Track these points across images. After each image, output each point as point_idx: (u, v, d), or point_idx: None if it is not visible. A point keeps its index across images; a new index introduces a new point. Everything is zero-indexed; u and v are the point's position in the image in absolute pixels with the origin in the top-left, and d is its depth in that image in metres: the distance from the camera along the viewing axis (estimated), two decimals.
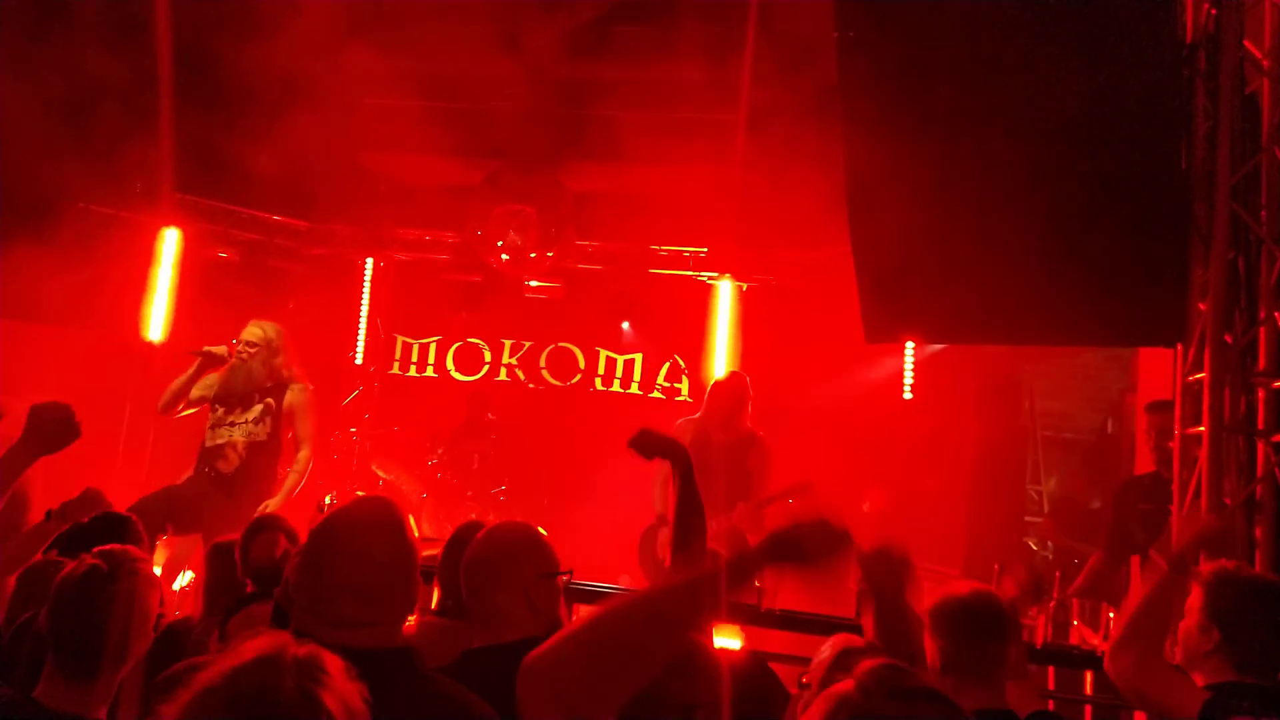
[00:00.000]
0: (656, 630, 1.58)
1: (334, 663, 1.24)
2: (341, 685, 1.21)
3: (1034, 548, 6.55)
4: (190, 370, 5.46)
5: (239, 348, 5.48)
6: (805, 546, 1.60)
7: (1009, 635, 2.60)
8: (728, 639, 4.00)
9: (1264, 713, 2.41)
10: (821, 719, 1.26)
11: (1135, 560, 4.87)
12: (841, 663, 2.11)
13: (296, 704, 1.16)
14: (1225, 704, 2.47)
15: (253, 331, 5.55)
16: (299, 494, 5.50)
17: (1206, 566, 2.75)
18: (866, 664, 1.32)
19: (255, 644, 1.22)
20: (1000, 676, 2.53)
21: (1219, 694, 2.51)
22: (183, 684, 1.75)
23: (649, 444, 3.02)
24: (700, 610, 1.66)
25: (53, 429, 2.80)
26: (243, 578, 3.44)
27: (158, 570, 5.08)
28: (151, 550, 4.88)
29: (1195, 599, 2.68)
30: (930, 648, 2.57)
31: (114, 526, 3.05)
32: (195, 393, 5.51)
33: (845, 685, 1.30)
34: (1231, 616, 2.58)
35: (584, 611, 2.80)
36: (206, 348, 5.47)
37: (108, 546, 2.11)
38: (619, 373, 9.09)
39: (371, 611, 1.76)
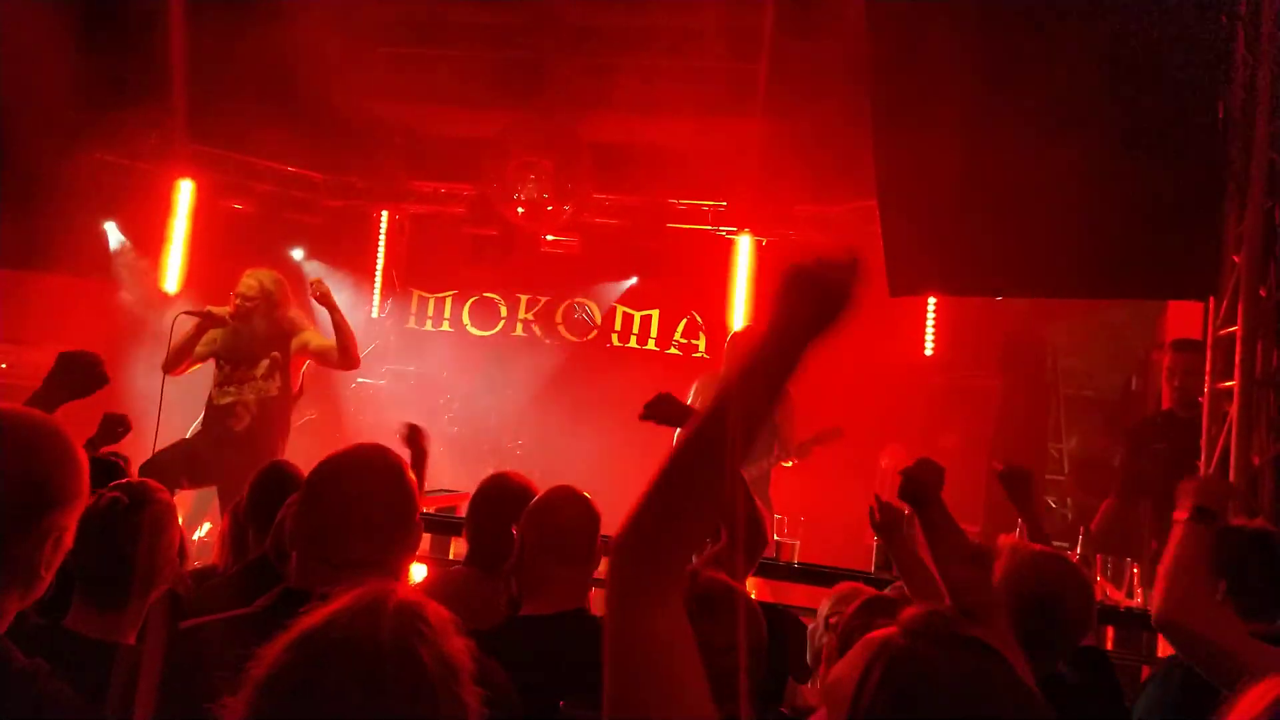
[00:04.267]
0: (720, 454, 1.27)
1: (438, 613, 1.21)
2: (442, 638, 1.18)
3: (1054, 506, 6.51)
4: (189, 329, 5.40)
5: (237, 302, 5.39)
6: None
7: None
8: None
9: None
10: (862, 662, 1.22)
11: (1148, 503, 4.81)
12: (871, 609, 2.08)
13: (390, 654, 1.14)
14: None
15: (248, 284, 5.43)
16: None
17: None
18: (912, 610, 1.28)
19: (357, 592, 1.20)
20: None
21: None
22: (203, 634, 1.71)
23: (666, 414, 3.03)
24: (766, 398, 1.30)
25: (80, 375, 2.80)
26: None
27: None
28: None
29: None
30: None
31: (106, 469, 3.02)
32: (200, 349, 5.48)
33: (888, 630, 1.25)
34: (1233, 567, 2.61)
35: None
36: (208, 308, 5.41)
37: (124, 480, 2.11)
38: (635, 329, 9.03)
39: (376, 550, 1.77)
